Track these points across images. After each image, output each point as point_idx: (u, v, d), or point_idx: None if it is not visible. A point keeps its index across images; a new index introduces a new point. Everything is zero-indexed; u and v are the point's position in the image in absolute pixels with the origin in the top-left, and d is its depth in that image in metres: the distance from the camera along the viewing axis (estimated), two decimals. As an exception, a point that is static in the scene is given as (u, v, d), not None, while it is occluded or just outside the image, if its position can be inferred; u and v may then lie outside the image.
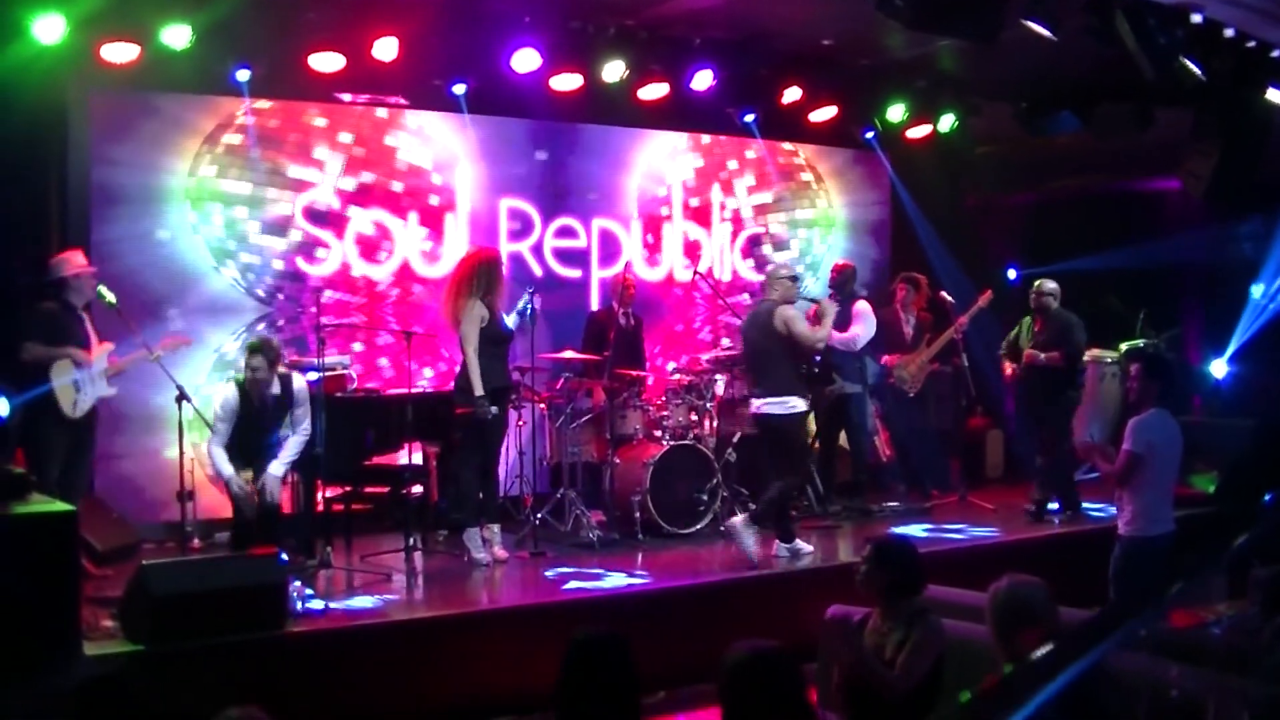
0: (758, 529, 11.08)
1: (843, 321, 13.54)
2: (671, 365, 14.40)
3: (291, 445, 10.57)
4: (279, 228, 13.22)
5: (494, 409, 11.10)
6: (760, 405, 11.37)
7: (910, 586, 6.98)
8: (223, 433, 10.42)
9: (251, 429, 10.50)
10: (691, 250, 15.64)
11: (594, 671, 5.11)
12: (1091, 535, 11.88)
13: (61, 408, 10.55)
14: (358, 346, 13.44)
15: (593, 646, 5.15)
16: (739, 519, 11.07)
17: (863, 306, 13.76)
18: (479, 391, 11.02)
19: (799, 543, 11.39)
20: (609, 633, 5.19)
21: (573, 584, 10.53)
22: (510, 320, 11.48)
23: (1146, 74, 11.11)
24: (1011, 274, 17.28)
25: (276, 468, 10.44)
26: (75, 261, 10.90)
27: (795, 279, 11.66)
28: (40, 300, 10.83)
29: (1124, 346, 14.73)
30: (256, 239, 13.11)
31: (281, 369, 10.64)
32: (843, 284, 13.80)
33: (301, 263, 13.37)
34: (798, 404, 11.36)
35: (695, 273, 14.43)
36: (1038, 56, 12.09)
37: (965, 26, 10.88)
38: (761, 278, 13.32)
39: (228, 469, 10.31)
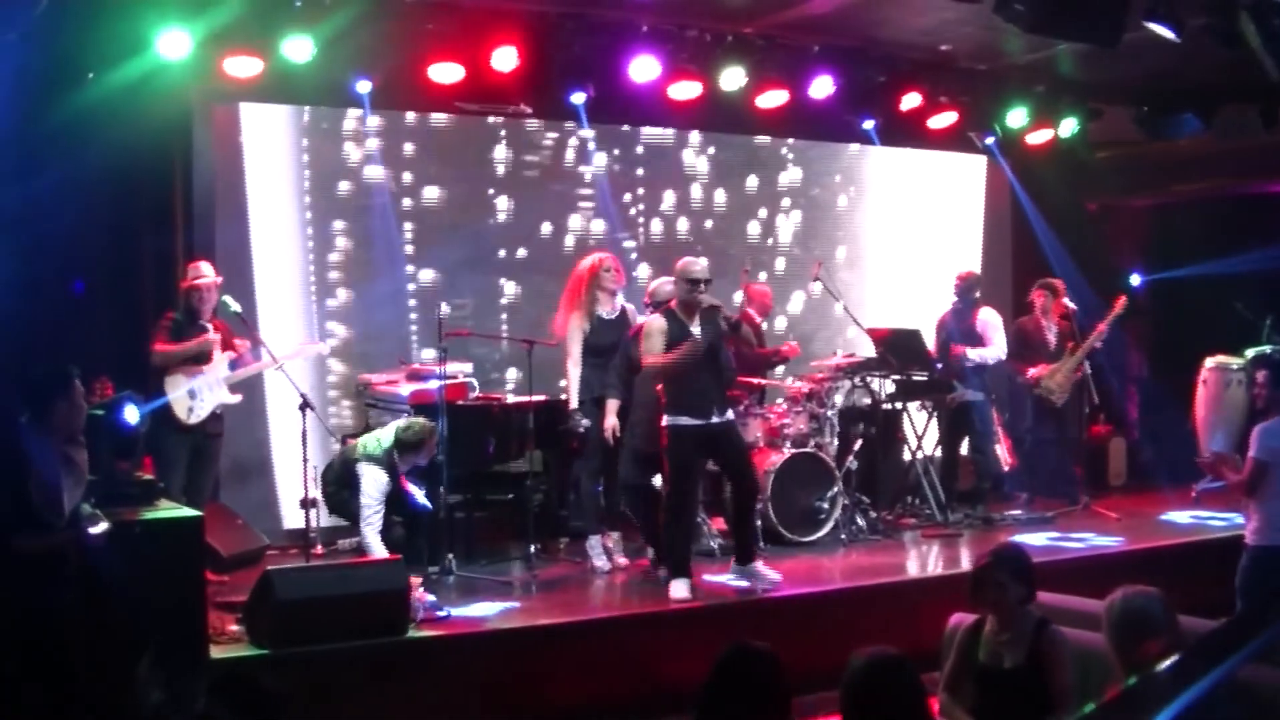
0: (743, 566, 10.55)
1: (967, 330, 13.58)
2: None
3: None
4: (405, 235, 13.39)
5: (586, 421, 11.17)
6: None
7: (1030, 595, 6.85)
8: (380, 517, 10.32)
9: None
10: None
11: (746, 685, 5.05)
12: (1218, 544, 11.72)
13: (178, 416, 10.75)
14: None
15: (747, 660, 5.10)
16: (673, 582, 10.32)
17: (990, 316, 13.81)
18: (574, 404, 11.22)
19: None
20: (765, 648, 5.13)
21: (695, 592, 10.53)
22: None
23: (1271, 74, 10.94)
24: (1135, 279, 17.09)
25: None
26: (199, 272, 11.07)
27: (693, 281, 10.35)
28: (166, 310, 11.04)
29: (1250, 353, 14.51)
30: (383, 249, 13.27)
31: None
32: (966, 291, 13.83)
33: (425, 271, 13.52)
34: (669, 419, 10.30)
35: (815, 277, 14.29)
36: (1159, 58, 11.95)
37: (1085, 29, 10.76)
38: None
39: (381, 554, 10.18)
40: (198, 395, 10.87)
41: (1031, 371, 13.98)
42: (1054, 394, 13.90)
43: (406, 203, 13.46)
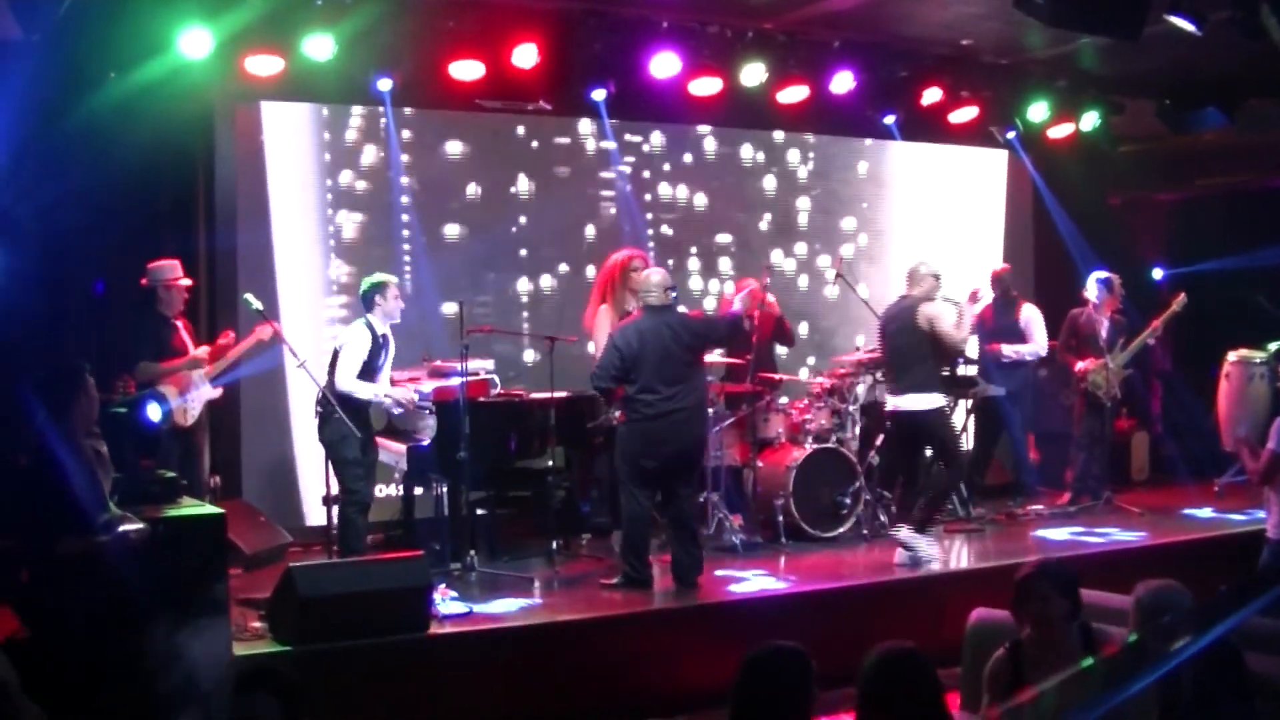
0: (927, 532, 11.34)
1: (1010, 326, 13.63)
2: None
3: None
4: (425, 236, 13.40)
5: (617, 414, 11.14)
6: (900, 402, 11.38)
7: (1075, 611, 6.39)
8: (356, 371, 10.57)
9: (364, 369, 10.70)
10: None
11: (774, 685, 5.03)
12: (1240, 539, 11.70)
13: (176, 421, 10.82)
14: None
15: (774, 661, 5.09)
16: (906, 532, 11.13)
17: (1033, 313, 13.97)
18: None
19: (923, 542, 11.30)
20: (794, 647, 5.12)
21: (715, 588, 10.55)
22: None
23: (1292, 67, 10.94)
24: (1157, 273, 17.05)
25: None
26: (176, 271, 11.10)
27: (938, 277, 11.58)
28: (138, 315, 11.08)
29: (1272, 346, 14.48)
30: (403, 246, 13.30)
31: None
32: (1002, 286, 13.88)
33: (445, 269, 13.50)
34: (938, 399, 11.48)
35: (838, 274, 14.22)
36: (1181, 51, 11.93)
37: (1107, 23, 10.73)
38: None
39: (381, 390, 10.67)
40: (189, 399, 10.96)
41: (1080, 365, 13.87)
42: (1101, 389, 13.76)
43: (427, 200, 13.46)
